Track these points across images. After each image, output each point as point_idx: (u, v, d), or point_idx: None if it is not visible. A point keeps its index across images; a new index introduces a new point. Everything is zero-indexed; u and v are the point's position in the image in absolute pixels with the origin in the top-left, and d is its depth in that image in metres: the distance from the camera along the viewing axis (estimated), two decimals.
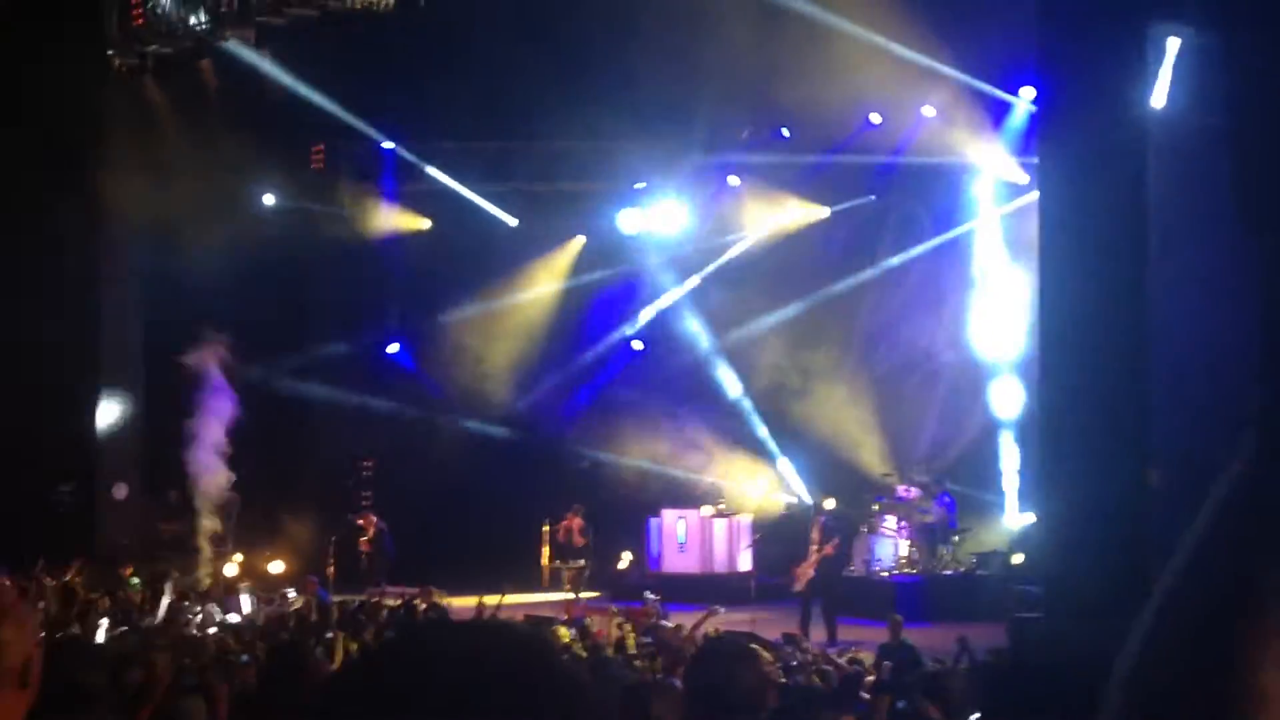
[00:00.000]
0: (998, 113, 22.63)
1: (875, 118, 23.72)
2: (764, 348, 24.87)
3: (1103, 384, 12.41)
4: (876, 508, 21.93)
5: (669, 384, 25.51)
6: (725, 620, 16.00)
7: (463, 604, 19.46)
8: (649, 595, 18.03)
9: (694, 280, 26.24)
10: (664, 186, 25.70)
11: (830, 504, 20.84)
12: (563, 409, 26.41)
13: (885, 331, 24.74)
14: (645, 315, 26.77)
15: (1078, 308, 12.67)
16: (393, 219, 26.75)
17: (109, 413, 22.96)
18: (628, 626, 15.26)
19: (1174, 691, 1.23)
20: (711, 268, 26.08)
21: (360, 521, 23.88)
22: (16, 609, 2.92)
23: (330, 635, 12.63)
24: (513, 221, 26.18)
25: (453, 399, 25.60)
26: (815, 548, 19.85)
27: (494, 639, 1.37)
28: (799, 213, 25.28)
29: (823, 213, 25.11)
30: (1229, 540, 1.25)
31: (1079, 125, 12.82)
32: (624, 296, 26.75)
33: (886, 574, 21.27)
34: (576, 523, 21.86)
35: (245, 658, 8.23)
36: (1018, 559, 19.77)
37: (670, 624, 15.55)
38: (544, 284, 26.37)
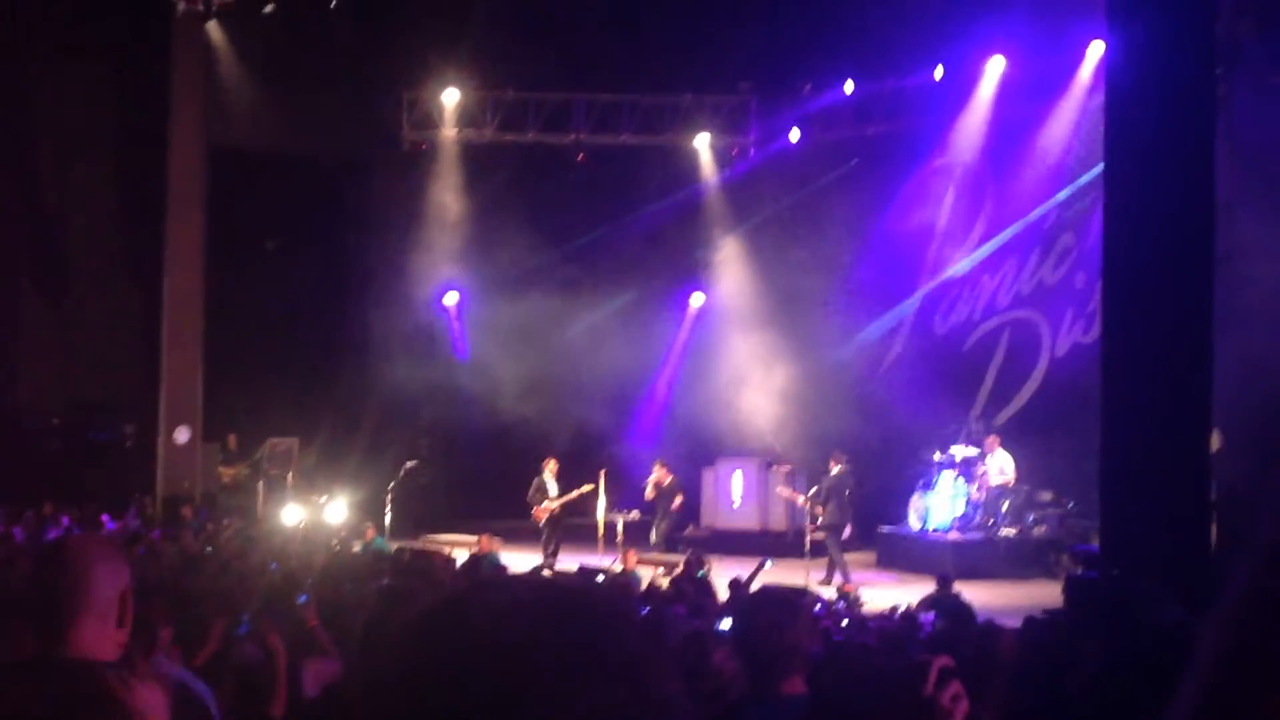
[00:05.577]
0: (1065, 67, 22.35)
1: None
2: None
3: (1167, 343, 12.28)
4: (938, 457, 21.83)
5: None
6: (777, 575, 16.03)
7: (520, 553, 19.64)
8: (687, 550, 18.43)
9: None
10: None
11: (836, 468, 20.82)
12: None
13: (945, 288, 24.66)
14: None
15: (1143, 266, 12.52)
16: None
17: (172, 357, 23.11)
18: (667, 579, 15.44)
19: None
20: None
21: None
22: (108, 552, 3.26)
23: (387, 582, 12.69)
24: None
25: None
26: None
27: (551, 598, 1.36)
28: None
29: None
30: None
31: (1147, 82, 12.64)
32: None
33: (941, 532, 21.21)
34: (665, 476, 21.88)
35: (304, 597, 8.26)
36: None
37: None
38: None
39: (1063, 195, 22.56)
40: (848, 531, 20.37)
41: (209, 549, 15.82)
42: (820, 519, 20.14)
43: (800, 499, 21.14)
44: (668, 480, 22.00)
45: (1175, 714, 1.34)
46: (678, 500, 22.13)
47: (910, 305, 25.08)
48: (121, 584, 3.13)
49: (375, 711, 1.32)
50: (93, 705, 2.54)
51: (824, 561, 19.93)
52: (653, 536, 21.80)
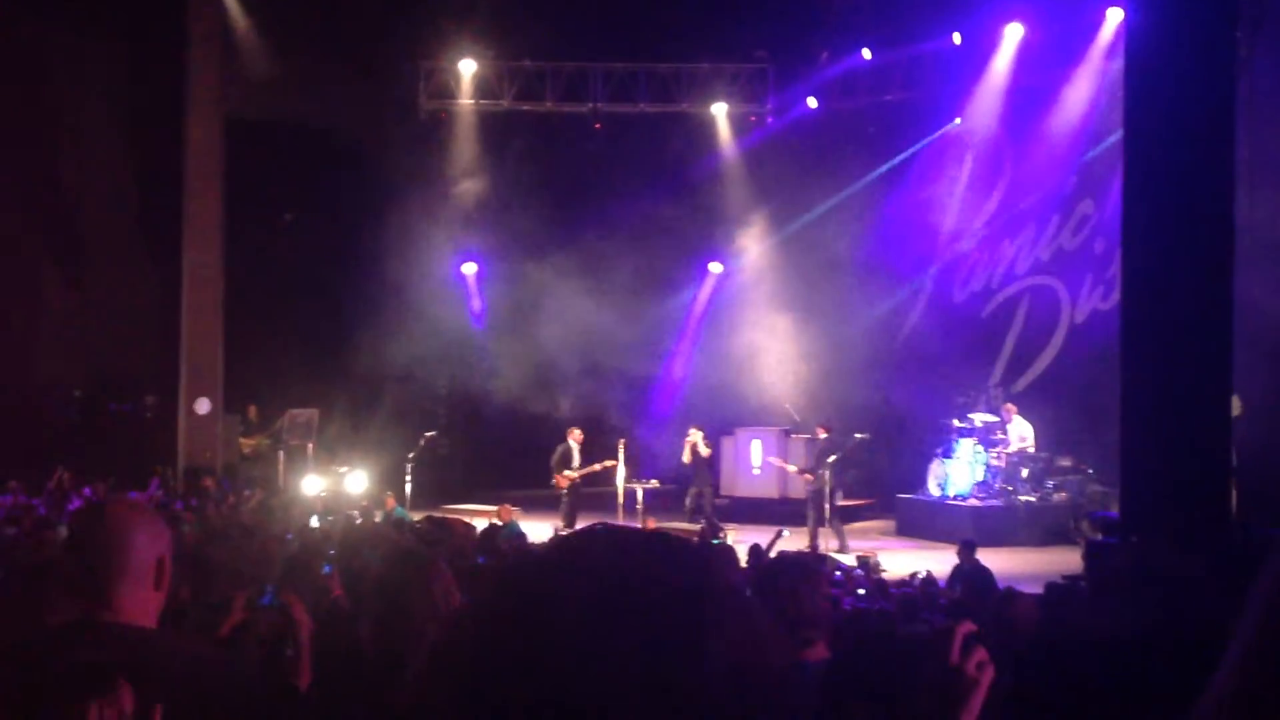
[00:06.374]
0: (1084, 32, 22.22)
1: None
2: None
3: (1186, 308, 12.24)
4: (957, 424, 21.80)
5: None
6: (795, 543, 16.07)
7: (539, 523, 19.68)
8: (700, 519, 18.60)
9: None
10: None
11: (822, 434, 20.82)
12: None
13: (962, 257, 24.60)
14: None
15: (1164, 234, 12.47)
16: None
17: (192, 329, 23.18)
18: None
19: None
20: None
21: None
22: (149, 518, 3.26)
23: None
24: None
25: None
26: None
27: (658, 547, 1.37)
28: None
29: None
30: None
31: (1167, 45, 12.56)
32: None
33: (961, 499, 21.19)
34: (702, 442, 21.92)
35: (328, 568, 8.27)
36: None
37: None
38: None
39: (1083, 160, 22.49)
40: (839, 498, 20.29)
41: (231, 520, 15.89)
42: (810, 485, 20.18)
43: (791, 468, 21.22)
44: (704, 446, 21.99)
45: (1215, 696, 1.33)
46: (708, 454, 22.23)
47: (928, 273, 25.02)
48: (160, 548, 3.16)
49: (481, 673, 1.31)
50: (137, 670, 2.55)
51: (841, 529, 19.90)
52: (689, 502, 21.84)
